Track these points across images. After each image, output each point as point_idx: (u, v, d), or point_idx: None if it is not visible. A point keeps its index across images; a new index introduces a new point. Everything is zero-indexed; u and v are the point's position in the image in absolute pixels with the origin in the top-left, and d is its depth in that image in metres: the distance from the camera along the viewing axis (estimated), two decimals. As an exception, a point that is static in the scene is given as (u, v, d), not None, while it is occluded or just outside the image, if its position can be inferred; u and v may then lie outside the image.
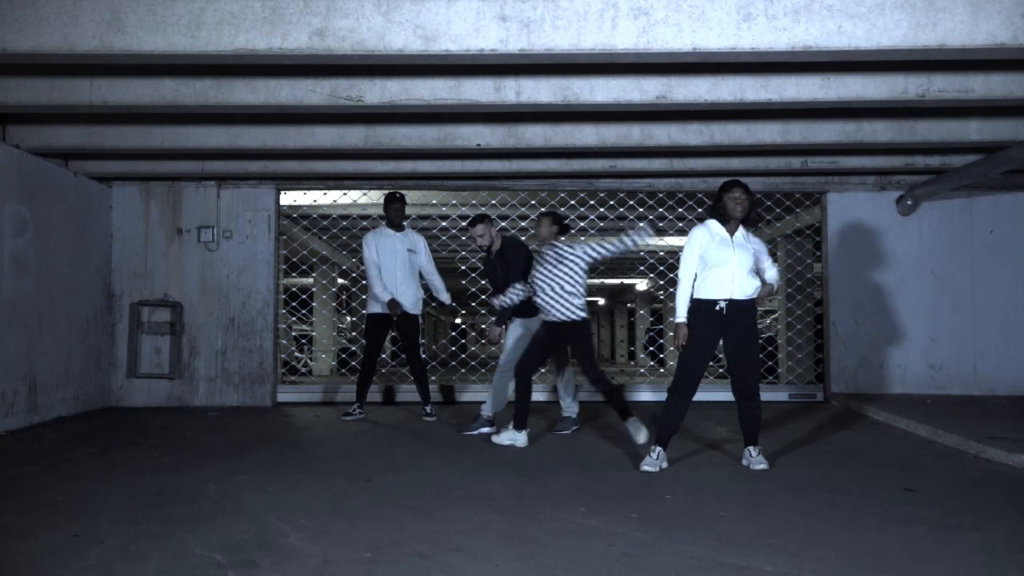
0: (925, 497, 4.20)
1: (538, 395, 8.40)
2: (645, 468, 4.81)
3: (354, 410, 7.03)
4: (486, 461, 5.17)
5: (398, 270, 6.86)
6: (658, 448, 4.89)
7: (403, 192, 7.23)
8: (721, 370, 14.94)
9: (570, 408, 6.42)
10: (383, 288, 6.77)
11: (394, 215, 6.95)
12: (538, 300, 5.76)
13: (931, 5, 4.27)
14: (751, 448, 4.98)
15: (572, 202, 9.18)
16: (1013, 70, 5.20)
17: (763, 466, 4.87)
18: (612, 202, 9.09)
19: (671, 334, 5.39)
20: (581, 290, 5.73)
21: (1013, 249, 8.34)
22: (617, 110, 5.74)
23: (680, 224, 10.39)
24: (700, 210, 9.66)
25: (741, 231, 4.85)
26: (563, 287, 5.66)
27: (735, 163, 7.59)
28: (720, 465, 5.03)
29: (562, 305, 5.66)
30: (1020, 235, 8.36)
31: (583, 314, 5.69)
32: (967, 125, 6.39)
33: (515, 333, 6.29)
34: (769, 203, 9.06)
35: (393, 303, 6.73)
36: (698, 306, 4.79)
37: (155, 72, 5.34)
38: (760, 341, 12.79)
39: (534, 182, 8.37)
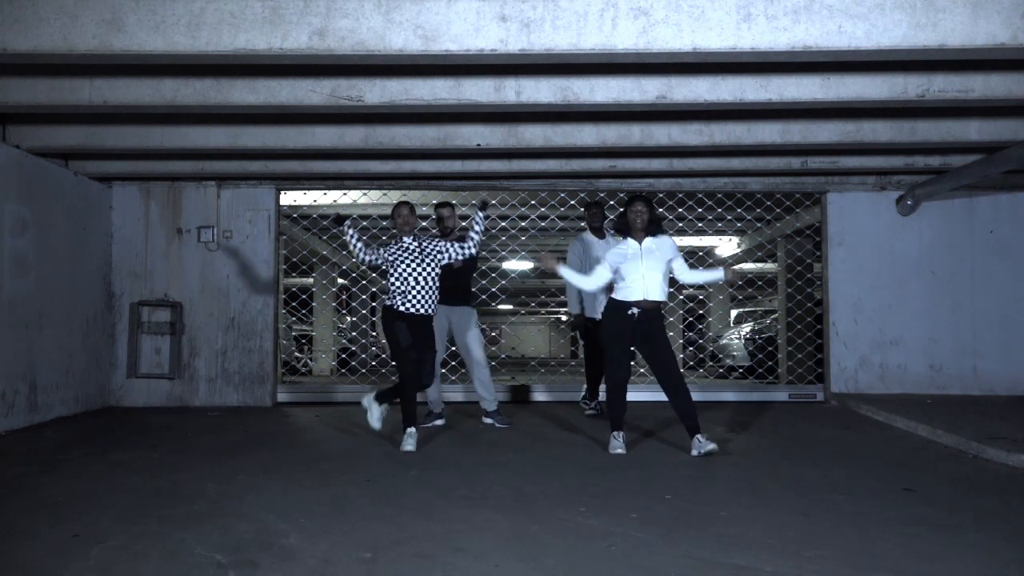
0: (925, 497, 4.20)
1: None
2: (617, 451, 5.27)
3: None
4: (486, 461, 5.17)
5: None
6: (620, 432, 5.37)
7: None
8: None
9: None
10: None
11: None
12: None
13: (931, 5, 4.26)
14: (698, 436, 5.25)
15: (572, 202, 9.17)
16: (1013, 70, 5.20)
17: (712, 447, 5.14)
18: (612, 202, 9.08)
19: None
20: None
21: (1013, 249, 8.33)
22: (617, 110, 5.74)
23: (680, 224, 10.38)
24: (700, 210, 9.66)
25: (649, 239, 5.28)
26: None
27: (735, 163, 7.58)
28: (719, 465, 5.03)
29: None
30: (1020, 235, 8.36)
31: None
32: (967, 125, 6.39)
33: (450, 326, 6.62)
34: (769, 203, 9.05)
35: None
36: (614, 306, 5.35)
37: (155, 72, 5.34)
38: (760, 341, 12.80)
39: (534, 182, 8.36)
